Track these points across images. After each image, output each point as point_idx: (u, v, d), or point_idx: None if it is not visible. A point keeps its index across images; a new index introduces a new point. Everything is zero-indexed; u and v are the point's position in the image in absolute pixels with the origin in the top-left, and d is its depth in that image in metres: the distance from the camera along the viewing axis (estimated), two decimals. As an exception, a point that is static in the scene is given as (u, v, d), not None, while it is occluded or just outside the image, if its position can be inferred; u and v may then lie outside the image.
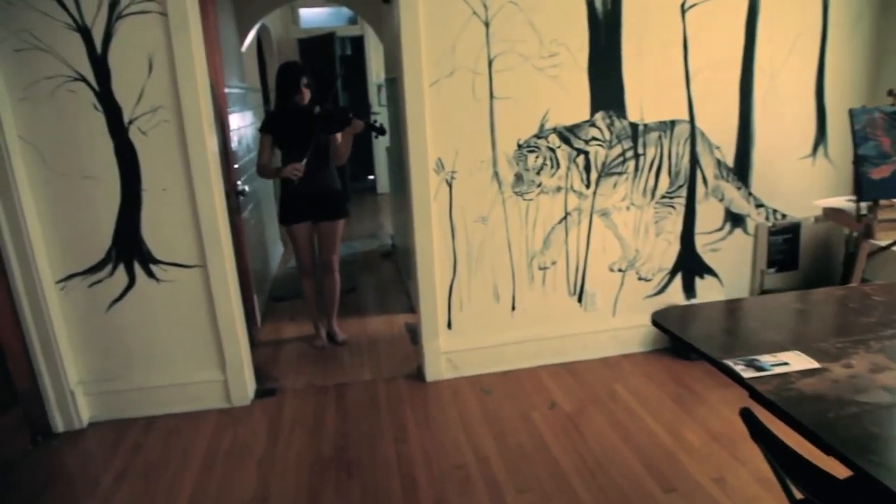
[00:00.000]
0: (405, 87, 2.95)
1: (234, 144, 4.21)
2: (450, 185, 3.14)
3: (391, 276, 5.36)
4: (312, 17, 8.68)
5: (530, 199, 3.25)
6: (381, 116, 8.43)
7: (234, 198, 3.76)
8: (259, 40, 7.03)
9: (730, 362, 1.62)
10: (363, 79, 8.85)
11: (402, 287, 4.97)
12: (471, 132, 3.09)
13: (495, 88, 3.05)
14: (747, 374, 1.56)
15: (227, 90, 4.05)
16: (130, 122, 2.83)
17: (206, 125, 2.85)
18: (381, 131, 3.48)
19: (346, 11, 8.80)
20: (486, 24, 2.97)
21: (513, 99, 3.08)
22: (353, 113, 3.49)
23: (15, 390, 2.92)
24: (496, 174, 3.17)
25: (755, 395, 1.52)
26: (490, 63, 3.02)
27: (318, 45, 7.97)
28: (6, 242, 2.81)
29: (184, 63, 2.76)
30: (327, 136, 3.60)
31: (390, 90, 4.91)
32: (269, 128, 3.59)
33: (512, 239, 3.28)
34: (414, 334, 3.95)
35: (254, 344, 3.97)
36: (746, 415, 1.57)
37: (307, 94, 3.54)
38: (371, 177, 9.76)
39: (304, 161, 3.48)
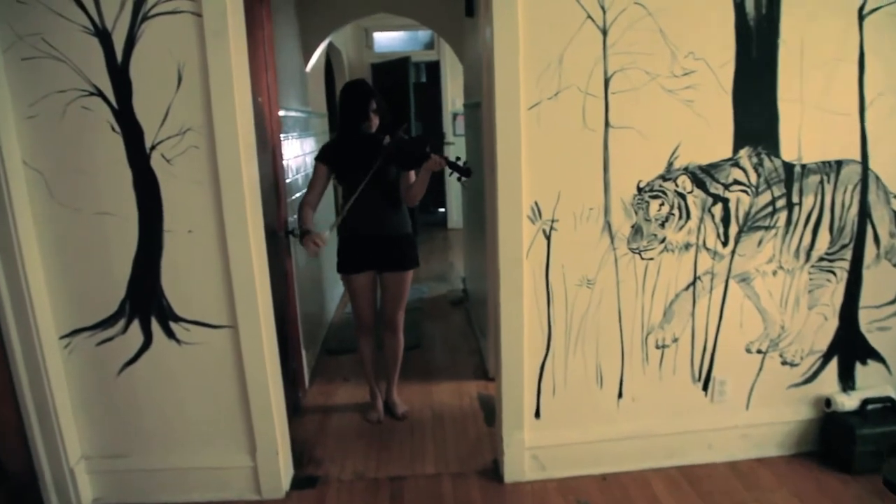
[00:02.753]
0: (496, 111, 2.29)
1: (289, 175, 3.67)
2: (548, 238, 2.44)
3: (461, 328, 4.67)
4: (387, 41, 8.26)
5: (650, 259, 2.51)
6: (455, 148, 7.87)
7: (284, 238, 3.20)
8: (329, 62, 6.61)
9: None
10: (438, 107, 8.33)
11: (473, 344, 4.28)
12: (578, 170, 2.40)
13: (612, 115, 2.36)
14: None
15: (282, 113, 3.53)
16: (153, 148, 2.29)
17: (243, 153, 2.28)
18: (466, 173, 2.81)
19: (422, 36, 8.36)
20: (604, 32, 2.29)
21: (635, 129, 2.38)
22: (431, 146, 2.85)
23: (3, 466, 2.39)
24: (608, 225, 2.46)
25: None
26: (606, 82, 2.33)
27: (391, 70, 7.51)
28: (1, 288, 2.30)
29: (219, 75, 2.20)
30: (397, 172, 2.99)
31: (471, 117, 4.29)
32: (327, 157, 3.00)
33: (624, 308, 2.55)
34: (489, 412, 3.25)
35: (298, 411, 3.37)
36: None
37: (376, 121, 2.94)
38: (441, 209, 9.16)
39: (329, 232, 2.89)
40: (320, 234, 2.87)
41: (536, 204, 2.41)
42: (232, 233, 2.33)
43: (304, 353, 3.64)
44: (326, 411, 3.42)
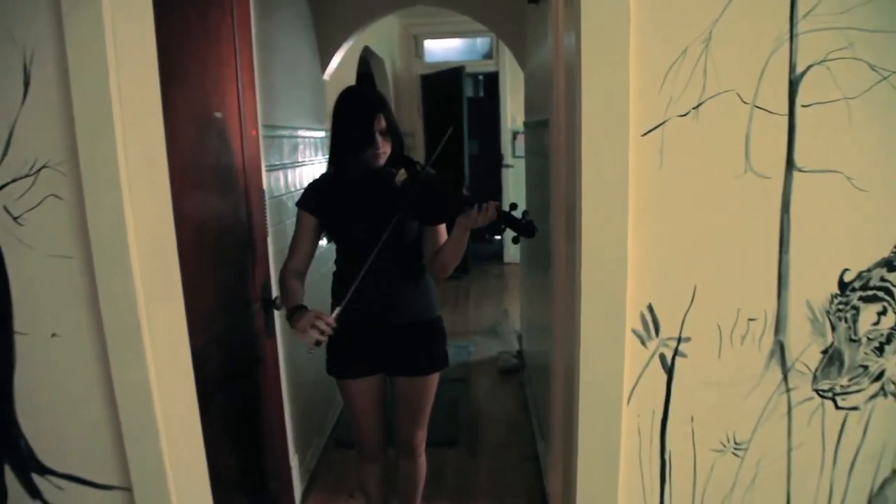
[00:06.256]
0: (582, 138, 1.25)
1: (286, 216, 2.73)
2: (670, 369, 1.37)
3: (514, 415, 3.59)
4: (440, 50, 7.33)
5: (852, 408, 1.40)
6: (514, 171, 6.85)
7: (260, 311, 2.26)
8: (371, 73, 5.72)
9: None
10: (496, 125, 7.34)
11: (529, 443, 3.20)
12: (732, 248, 1.32)
13: (801, 146, 1.28)
14: None
15: (299, 133, 2.67)
16: (-11, 196, 1.36)
17: (131, 206, 1.31)
18: (528, 231, 1.77)
19: (480, 45, 7.41)
20: (791, -9, 1.23)
21: (842, 174, 1.29)
22: (471, 188, 1.86)
23: None
24: (780, 348, 1.36)
25: None
26: (793, 84, 1.26)
27: (443, 82, 6.56)
28: None
29: (86, 74, 1.26)
30: (419, 226, 1.98)
31: (533, 139, 3.27)
32: (313, 204, 2.00)
33: (797, 490, 1.45)
34: (549, 581, 2.18)
35: (278, 549, 2.39)
36: None
37: (385, 148, 1.92)
38: (497, 237, 8.12)
39: (337, 313, 1.84)
40: (322, 315, 1.84)
41: (651, 309, 1.33)
42: (115, 339, 1.37)
43: (294, 460, 2.67)
44: (317, 553, 2.43)
